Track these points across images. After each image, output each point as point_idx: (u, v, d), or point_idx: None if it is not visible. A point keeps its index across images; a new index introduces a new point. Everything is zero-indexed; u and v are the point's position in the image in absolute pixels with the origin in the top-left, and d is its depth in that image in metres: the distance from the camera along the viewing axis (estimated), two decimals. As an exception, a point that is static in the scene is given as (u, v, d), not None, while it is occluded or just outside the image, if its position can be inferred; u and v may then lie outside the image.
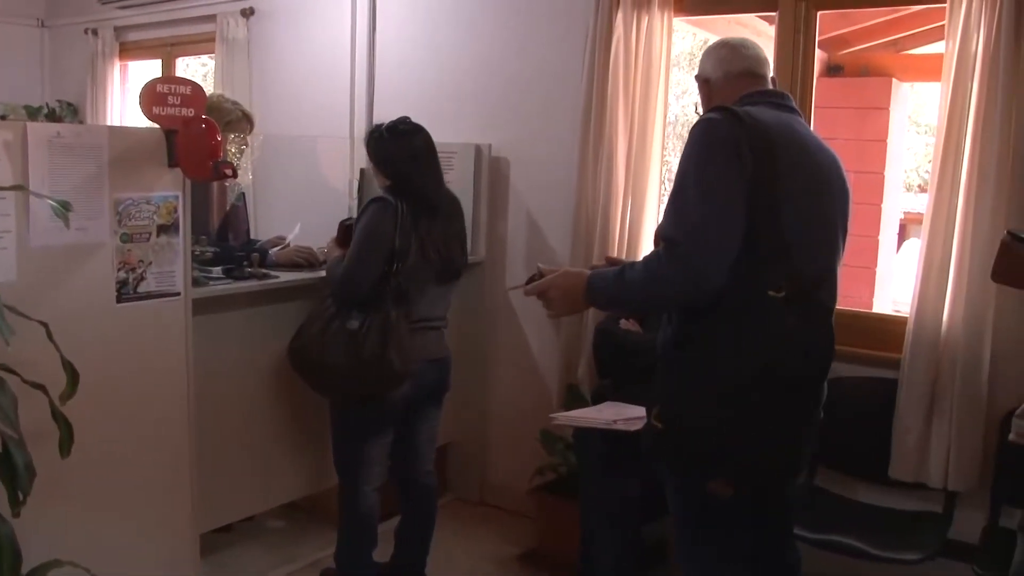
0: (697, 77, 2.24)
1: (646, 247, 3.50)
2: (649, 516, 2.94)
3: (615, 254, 3.46)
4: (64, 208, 1.81)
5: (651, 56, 3.35)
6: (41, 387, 1.86)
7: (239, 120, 3.33)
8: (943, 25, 2.85)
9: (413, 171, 2.78)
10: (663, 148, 3.48)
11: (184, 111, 2.39)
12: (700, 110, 2.26)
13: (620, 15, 3.35)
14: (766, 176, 1.89)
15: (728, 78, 2.15)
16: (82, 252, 2.27)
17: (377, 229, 2.69)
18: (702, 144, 1.95)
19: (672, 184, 1.99)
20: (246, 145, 3.40)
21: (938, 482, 2.81)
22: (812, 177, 2.02)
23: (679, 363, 2.00)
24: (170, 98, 2.37)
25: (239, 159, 3.30)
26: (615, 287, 2.02)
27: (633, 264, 2.00)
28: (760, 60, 2.17)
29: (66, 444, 1.90)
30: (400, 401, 2.80)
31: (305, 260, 3.18)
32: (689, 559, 2.20)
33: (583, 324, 3.52)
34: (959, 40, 2.75)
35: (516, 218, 3.85)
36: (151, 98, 2.36)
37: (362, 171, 3.80)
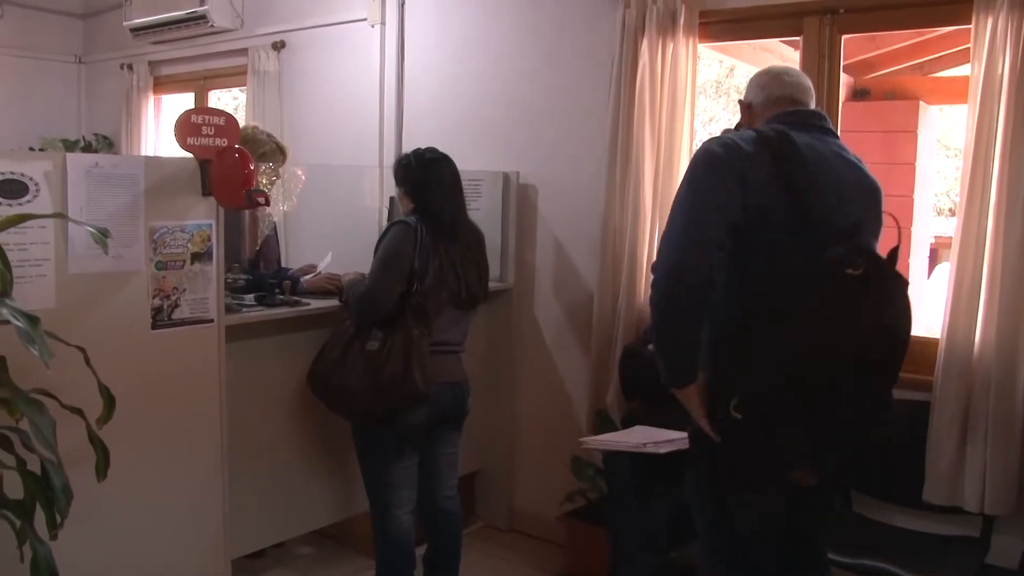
0: (740, 102, 2.30)
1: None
2: (678, 540, 2.92)
3: (643, 280, 3.47)
4: (103, 235, 1.85)
5: (677, 82, 3.36)
6: (78, 411, 1.89)
7: (273, 152, 3.39)
8: (969, 48, 2.85)
9: (436, 197, 2.85)
10: (690, 174, 3.48)
11: (218, 141, 2.45)
12: None
13: (645, 42, 3.37)
14: (796, 178, 1.96)
15: (768, 103, 2.20)
16: (118, 279, 2.31)
17: (397, 249, 2.74)
18: (693, 165, 2.05)
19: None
20: (277, 176, 3.46)
21: (974, 506, 2.77)
22: (837, 186, 2.05)
23: (751, 347, 1.92)
24: (204, 128, 2.43)
25: (271, 190, 3.35)
26: (654, 340, 2.09)
27: None
28: (801, 88, 2.21)
29: (102, 468, 1.92)
30: (418, 424, 2.82)
31: (336, 287, 3.21)
32: None
33: (612, 350, 3.52)
34: (985, 62, 2.75)
35: (544, 245, 3.87)
36: (185, 128, 2.41)
37: (391, 199, 3.84)
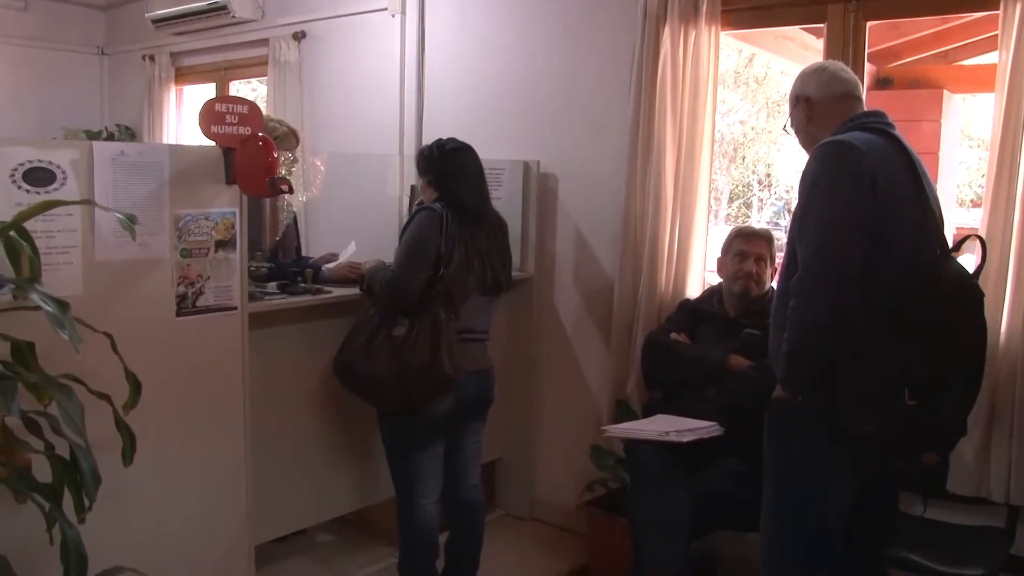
0: (797, 97, 2.38)
1: (695, 263, 3.50)
2: (700, 531, 2.92)
3: (663, 270, 3.47)
4: (130, 221, 1.86)
5: (699, 71, 3.34)
6: (106, 397, 1.90)
7: (285, 136, 3.41)
8: (995, 35, 2.82)
9: (460, 186, 2.85)
10: (711, 164, 3.47)
11: (241, 129, 2.45)
12: (790, 128, 2.44)
13: (667, 31, 3.35)
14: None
15: (832, 98, 2.33)
16: (144, 267, 2.33)
17: (424, 235, 2.75)
18: (829, 170, 2.16)
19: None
20: (294, 164, 3.47)
21: (999, 496, 2.75)
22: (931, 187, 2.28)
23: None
24: (228, 117, 2.44)
25: (290, 177, 3.36)
26: (785, 348, 2.20)
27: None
28: (857, 84, 2.37)
29: (128, 453, 1.94)
30: (445, 413, 2.82)
31: (357, 275, 3.22)
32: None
33: (632, 339, 3.52)
34: (1013, 49, 2.71)
35: (565, 234, 3.86)
36: (209, 117, 2.43)
37: (412, 188, 3.85)
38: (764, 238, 3.18)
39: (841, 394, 2.14)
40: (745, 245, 3.14)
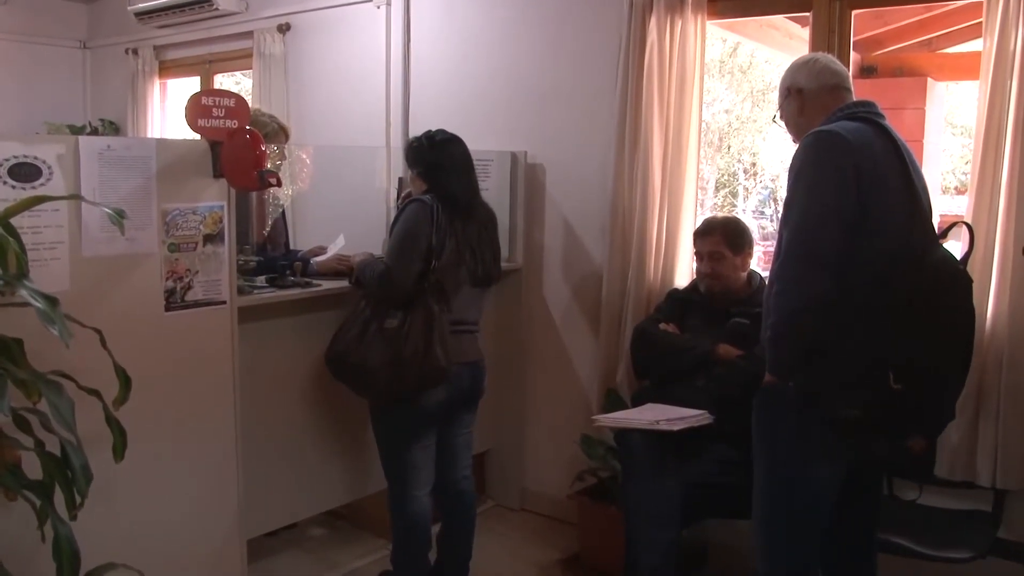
0: (789, 88, 2.40)
1: (683, 252, 3.51)
2: (691, 518, 2.93)
3: (652, 259, 3.47)
4: (120, 216, 1.85)
5: (685, 61, 3.35)
6: (96, 393, 1.90)
7: (275, 132, 3.39)
8: (979, 23, 2.84)
9: (449, 177, 2.85)
10: (698, 154, 3.48)
11: (228, 122, 2.44)
12: (779, 119, 2.46)
13: (654, 20, 3.36)
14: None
15: (823, 89, 2.35)
16: (132, 262, 2.31)
17: (415, 228, 2.74)
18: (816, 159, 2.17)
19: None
20: (282, 159, 3.46)
21: (986, 480, 2.78)
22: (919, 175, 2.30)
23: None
24: (215, 110, 2.42)
25: (277, 171, 3.34)
26: (767, 334, 2.22)
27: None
28: (847, 75, 2.40)
29: (119, 448, 1.93)
30: (438, 404, 2.83)
31: (346, 268, 3.21)
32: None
33: (621, 329, 3.53)
34: (997, 37, 2.73)
35: (553, 224, 3.86)
36: (196, 111, 2.41)
37: (400, 180, 3.84)
38: (718, 231, 3.12)
39: (823, 378, 2.16)
40: (699, 245, 3.16)
